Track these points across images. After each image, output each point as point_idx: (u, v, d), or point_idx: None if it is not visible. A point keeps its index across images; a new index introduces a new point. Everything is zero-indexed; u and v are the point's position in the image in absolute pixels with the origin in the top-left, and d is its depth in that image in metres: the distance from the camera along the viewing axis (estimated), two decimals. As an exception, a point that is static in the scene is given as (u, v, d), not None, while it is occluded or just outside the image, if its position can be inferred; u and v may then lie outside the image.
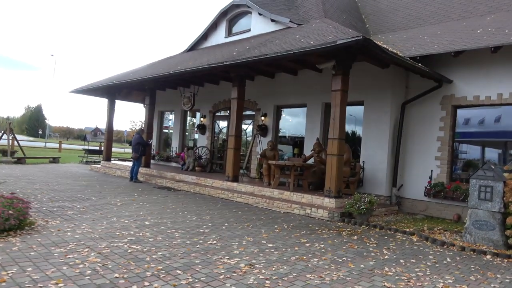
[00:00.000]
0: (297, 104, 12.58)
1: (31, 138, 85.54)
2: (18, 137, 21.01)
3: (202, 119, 15.96)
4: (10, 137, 18.97)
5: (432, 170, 10.00)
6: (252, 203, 9.76)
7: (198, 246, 5.39)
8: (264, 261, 4.87)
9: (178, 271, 4.30)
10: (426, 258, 5.51)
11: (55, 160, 20.44)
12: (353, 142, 11.46)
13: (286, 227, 7.10)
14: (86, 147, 21.64)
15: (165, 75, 12.28)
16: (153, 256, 4.77)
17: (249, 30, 14.61)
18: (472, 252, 6.02)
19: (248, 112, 14.45)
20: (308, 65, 10.66)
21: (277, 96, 13.09)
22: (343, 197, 8.84)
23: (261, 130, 13.18)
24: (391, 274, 4.67)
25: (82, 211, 7.43)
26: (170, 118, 19.01)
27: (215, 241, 5.69)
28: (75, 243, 5.16)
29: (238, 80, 11.19)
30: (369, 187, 10.51)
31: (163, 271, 4.26)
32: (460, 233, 7.18)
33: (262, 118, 13.31)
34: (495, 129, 9.66)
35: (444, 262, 5.40)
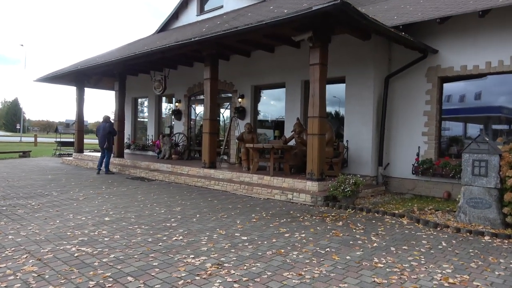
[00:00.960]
0: (276, 83, 11.83)
1: (8, 133, 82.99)
2: None
3: (177, 104, 15.09)
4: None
5: (419, 147, 9.44)
6: (230, 190, 9.08)
7: (160, 244, 4.67)
8: (235, 258, 4.19)
9: (130, 278, 3.58)
10: (419, 244, 4.92)
11: (25, 154, 19.34)
12: (337, 121, 10.82)
13: (264, 215, 6.43)
14: (58, 140, 20.52)
15: (130, 56, 11.35)
16: (104, 260, 4.04)
17: (221, 7, 13.74)
18: (468, 234, 5.46)
19: (224, 95, 13.66)
20: (284, 39, 9.88)
21: (254, 76, 12.31)
22: (327, 179, 8.23)
23: (239, 112, 12.42)
24: (381, 266, 4.05)
25: (36, 208, 6.62)
26: (146, 105, 18.06)
27: (181, 237, 4.99)
28: (13, 249, 4.38)
29: (210, 59, 10.35)
30: (354, 168, 9.92)
31: (111, 279, 3.54)
32: (453, 213, 6.64)
33: (239, 100, 12.53)
34: (479, 105, 9.14)
35: (440, 247, 4.82)
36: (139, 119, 18.36)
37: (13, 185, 9.33)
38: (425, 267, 4.04)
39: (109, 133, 12.02)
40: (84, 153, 16.25)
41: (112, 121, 12.69)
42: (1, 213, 6.23)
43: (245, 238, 5.00)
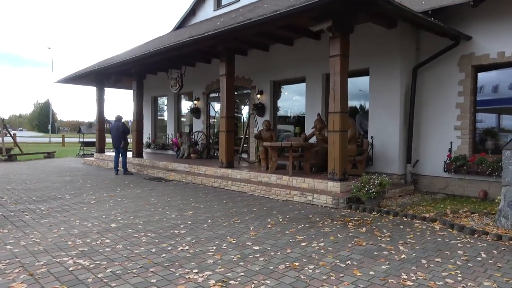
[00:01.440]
0: (295, 77, 11.28)
1: (40, 134, 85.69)
2: (29, 133, 20.52)
3: (195, 101, 14.77)
4: (5, 134, 18.16)
5: (451, 142, 8.70)
6: (247, 191, 8.65)
7: (164, 255, 4.28)
8: (242, 273, 3.74)
9: (122, 299, 3.21)
10: (454, 255, 4.33)
11: (49, 155, 19.59)
12: (361, 116, 10.19)
13: (281, 220, 5.96)
14: (82, 140, 20.68)
15: (144, 55, 11.09)
16: (99, 275, 3.68)
17: (239, 0, 13.25)
18: (511, 242, 4.81)
19: (243, 91, 13.23)
20: (302, 31, 9.32)
21: (273, 71, 11.80)
22: (350, 179, 7.66)
23: (258, 109, 11.95)
24: (411, 284, 3.51)
25: (44, 214, 6.39)
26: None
27: (187, 247, 4.59)
28: (7, 261, 4.10)
29: (225, 54, 9.92)
30: (379, 166, 9.28)
31: (101, 300, 3.18)
32: (492, 216, 5.96)
33: (258, 96, 12.06)
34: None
35: (478, 258, 4.21)
36: (159, 118, 18.20)
37: (29, 187, 9.24)
38: (463, 285, 3.47)
39: (123, 133, 11.81)
40: (106, 153, 16.21)
41: (124, 121, 12.41)
42: (8, 219, 6.02)
43: (257, 248, 4.54)
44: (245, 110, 13.53)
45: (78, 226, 5.57)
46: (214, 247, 4.56)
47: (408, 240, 4.88)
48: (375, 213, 6.36)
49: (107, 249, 4.50)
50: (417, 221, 5.86)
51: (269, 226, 5.58)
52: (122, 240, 4.88)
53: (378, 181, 6.57)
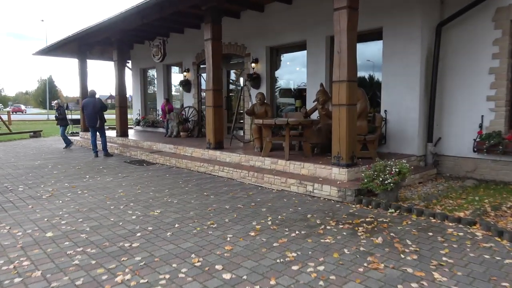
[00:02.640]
0: (295, 42, 9.67)
1: (43, 111, 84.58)
2: (34, 110, 19.23)
3: (185, 73, 13.23)
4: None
5: (482, 116, 7.17)
6: (236, 178, 7.28)
7: (88, 293, 2.95)
8: (193, 336, 2.39)
9: None
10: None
11: (35, 134, 18.32)
12: (370, 88, 8.63)
13: (270, 223, 4.59)
14: (70, 117, 19.32)
15: (118, 17, 9.51)
16: None
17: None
18: None
19: (236, 60, 11.66)
20: (302, -17, 7.68)
21: (269, 35, 10.18)
22: (359, 164, 6.24)
23: (253, 80, 10.42)
24: None
25: (-27, 216, 5.08)
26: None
27: (130, 275, 3.23)
28: None
29: (210, 14, 8.33)
30: (394, 145, 7.82)
31: None
32: (548, 215, 4.53)
33: (253, 65, 10.50)
34: None
35: (556, 296, 2.82)
36: (149, 92, 16.72)
37: (-15, 176, 7.95)
38: None
39: (100, 110, 10.40)
40: (90, 132, 14.87)
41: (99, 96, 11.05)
42: None
43: (227, 276, 3.18)
44: (240, 82, 11.99)
45: (3, 236, 4.25)
46: (168, 275, 3.21)
47: (444, 259, 3.48)
48: (393, 210, 4.95)
49: (15, 281, 3.17)
50: (450, 223, 4.44)
51: (253, 234, 4.21)
52: (45, 262, 3.54)
53: (397, 169, 5.12)
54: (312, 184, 5.94)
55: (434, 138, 7.66)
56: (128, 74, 16.78)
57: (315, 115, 8.66)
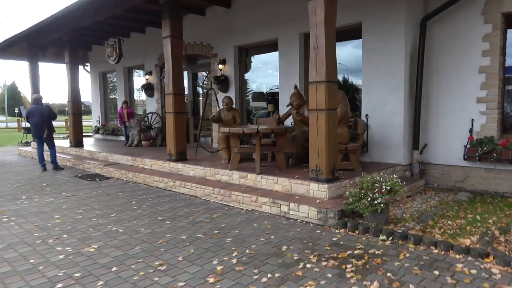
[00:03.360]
0: (265, 40, 8.78)
1: (3, 119, 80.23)
2: None
3: (147, 76, 12.11)
4: None
5: (473, 120, 6.47)
6: (200, 195, 6.28)
7: None
8: None
9: None
10: None
11: (-16, 144, 16.65)
12: (347, 90, 7.85)
13: (235, 261, 3.62)
14: (24, 125, 17.71)
15: (67, 10, 8.37)
16: None
17: None
18: None
19: (202, 61, 10.68)
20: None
21: (238, 33, 9.26)
22: (341, 178, 5.38)
23: (220, 83, 9.45)
24: None
25: None
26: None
27: None
28: None
29: (168, 9, 7.33)
30: (377, 154, 7.03)
31: None
32: None
33: (220, 66, 9.54)
34: None
35: None
36: (111, 97, 15.44)
37: None
38: None
39: (48, 118, 9.18)
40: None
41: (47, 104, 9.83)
42: None
43: None
44: (205, 85, 11.01)
45: None
46: None
47: (464, 315, 2.62)
48: (384, 237, 4.08)
49: None
50: (457, 255, 3.59)
51: (212, 280, 3.23)
52: None
53: (388, 186, 4.27)
54: (288, 203, 5.03)
55: (420, 144, 6.92)
56: (88, 78, 15.51)
57: (289, 121, 7.80)
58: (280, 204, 5.10)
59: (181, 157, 7.62)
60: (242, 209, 5.49)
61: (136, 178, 7.77)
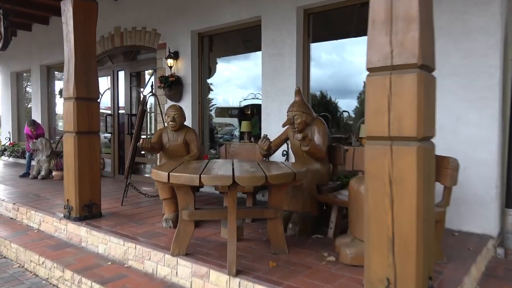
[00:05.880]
0: (240, 20, 5.63)
1: None
2: None
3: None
4: None
5: None
6: (108, 312, 2.93)
7: None
8: None
9: None
10: None
11: None
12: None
13: None
14: None
15: None
16: None
17: None
18: None
19: (144, 55, 7.37)
20: None
21: (197, 12, 6.07)
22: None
23: (168, 86, 6.13)
24: None
25: None
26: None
27: None
28: None
29: None
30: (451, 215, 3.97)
31: None
32: None
33: (169, 61, 6.25)
34: None
35: None
36: (30, 107, 11.63)
37: None
38: None
39: None
40: None
41: None
42: None
43: None
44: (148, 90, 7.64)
45: None
46: None
47: None
48: None
49: None
50: None
51: None
52: None
53: None
54: None
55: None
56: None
57: (289, 149, 4.67)
58: None
59: (89, 213, 4.21)
60: None
61: (8, 250, 4.28)
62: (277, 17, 5.08)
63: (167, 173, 2.65)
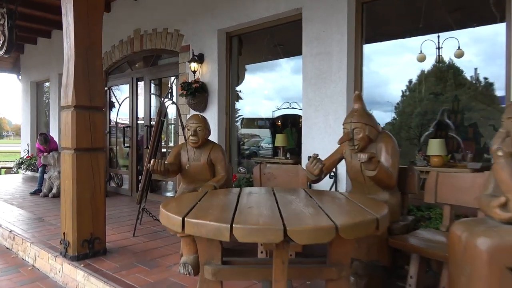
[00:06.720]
0: (275, 17, 4.75)
1: (-30, 140, 73.41)
2: None
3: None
4: None
5: None
6: None
7: None
8: None
9: None
10: None
11: None
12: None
13: None
14: None
15: None
16: None
17: None
18: None
19: (165, 60, 6.60)
20: None
21: (225, 8, 5.24)
22: None
23: (191, 94, 5.29)
24: None
25: None
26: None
27: None
28: None
29: None
30: None
31: None
32: None
33: (193, 65, 5.43)
34: None
35: None
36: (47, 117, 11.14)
37: None
38: None
39: None
40: None
41: None
42: None
43: None
44: (173, 99, 6.83)
45: None
46: None
47: None
48: None
49: None
50: None
51: None
52: None
53: None
54: None
55: None
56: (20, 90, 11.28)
57: (345, 172, 3.70)
58: None
59: (90, 250, 3.37)
60: None
61: (-8, 292, 3.48)
62: (323, 7, 4.16)
63: (180, 219, 1.74)
